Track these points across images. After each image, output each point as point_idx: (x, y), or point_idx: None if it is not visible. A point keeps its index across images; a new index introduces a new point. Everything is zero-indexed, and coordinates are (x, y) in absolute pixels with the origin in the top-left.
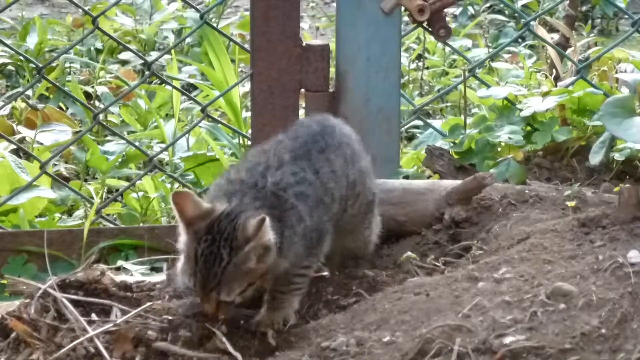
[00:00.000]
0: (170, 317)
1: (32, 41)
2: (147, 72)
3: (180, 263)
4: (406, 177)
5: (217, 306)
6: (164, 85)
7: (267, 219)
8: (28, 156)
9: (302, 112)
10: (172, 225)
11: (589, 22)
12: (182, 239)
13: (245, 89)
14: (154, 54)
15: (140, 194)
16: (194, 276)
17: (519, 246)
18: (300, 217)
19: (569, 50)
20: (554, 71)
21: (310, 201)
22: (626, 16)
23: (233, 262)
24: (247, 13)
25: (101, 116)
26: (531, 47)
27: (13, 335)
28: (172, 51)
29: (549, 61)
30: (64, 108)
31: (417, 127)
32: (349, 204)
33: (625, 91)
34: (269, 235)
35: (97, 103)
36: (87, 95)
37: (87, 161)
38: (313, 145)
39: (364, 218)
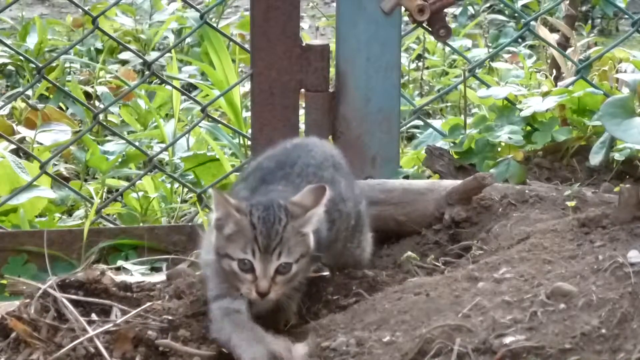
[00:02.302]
0: (170, 317)
1: (32, 41)
2: (147, 72)
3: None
4: (406, 177)
5: (270, 283)
6: (164, 85)
7: (328, 188)
8: (28, 156)
9: (302, 112)
10: (172, 225)
11: (589, 22)
12: (228, 230)
13: (245, 89)
14: (154, 54)
15: (140, 194)
16: (253, 242)
17: (519, 246)
18: None
19: (569, 50)
20: (554, 71)
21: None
22: (626, 16)
23: (291, 224)
24: (247, 13)
25: (101, 116)
26: (531, 47)
27: (13, 335)
28: (172, 51)
29: (549, 61)
30: (64, 108)
31: (417, 127)
32: None
33: (625, 91)
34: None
35: (97, 103)
36: (87, 95)
37: (87, 161)
38: (260, 184)
39: (352, 238)
